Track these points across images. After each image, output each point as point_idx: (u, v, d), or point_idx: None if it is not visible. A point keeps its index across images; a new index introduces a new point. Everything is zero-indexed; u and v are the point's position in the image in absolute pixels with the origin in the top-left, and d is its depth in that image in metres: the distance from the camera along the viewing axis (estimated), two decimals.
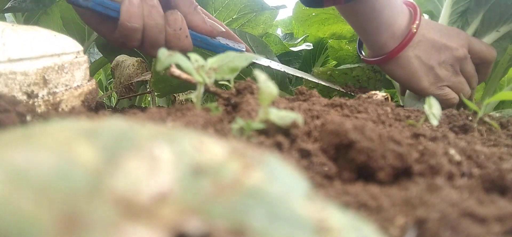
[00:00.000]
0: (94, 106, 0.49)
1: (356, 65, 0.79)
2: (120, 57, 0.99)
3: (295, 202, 0.13)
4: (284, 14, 2.59)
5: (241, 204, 0.12)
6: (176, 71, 0.36)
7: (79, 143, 0.12)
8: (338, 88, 0.78)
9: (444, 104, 0.69)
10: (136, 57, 0.98)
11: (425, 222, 0.19)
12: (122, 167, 0.12)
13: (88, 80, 0.48)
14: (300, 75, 0.74)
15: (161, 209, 0.11)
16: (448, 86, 0.70)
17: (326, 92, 0.84)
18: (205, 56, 0.36)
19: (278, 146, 0.27)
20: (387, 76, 0.83)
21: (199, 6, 0.62)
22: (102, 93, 1.27)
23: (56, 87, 0.41)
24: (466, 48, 0.70)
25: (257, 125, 0.28)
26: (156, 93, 0.86)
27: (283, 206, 0.12)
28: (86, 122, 0.14)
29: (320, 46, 1.20)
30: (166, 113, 0.32)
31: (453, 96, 0.70)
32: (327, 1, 0.67)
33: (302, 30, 1.36)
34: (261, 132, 0.29)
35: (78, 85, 0.45)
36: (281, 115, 0.29)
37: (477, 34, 0.78)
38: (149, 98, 1.22)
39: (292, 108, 0.37)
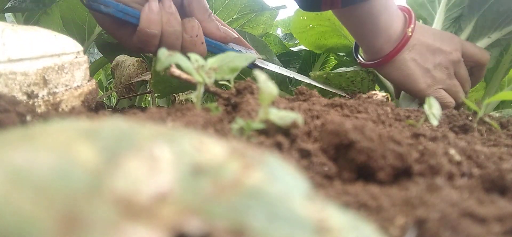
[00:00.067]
0: (94, 106, 0.49)
1: (351, 68, 0.80)
2: (120, 57, 0.99)
3: (295, 202, 0.13)
4: (284, 14, 2.59)
5: (241, 204, 0.12)
6: (176, 71, 0.36)
7: (79, 143, 0.12)
8: (334, 91, 0.78)
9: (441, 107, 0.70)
10: (136, 57, 0.98)
11: (425, 222, 0.19)
12: (122, 167, 0.12)
13: (88, 81, 0.48)
14: (299, 79, 0.75)
15: (161, 209, 0.11)
16: (444, 89, 0.70)
17: (326, 92, 0.84)
18: (204, 57, 0.36)
19: (278, 146, 0.27)
20: (381, 78, 0.83)
21: (213, 14, 0.63)
22: (102, 93, 1.27)
23: (56, 87, 0.41)
24: (459, 52, 0.71)
25: (257, 125, 0.28)
26: (156, 95, 0.86)
27: (283, 206, 0.12)
28: (86, 122, 0.14)
29: None
30: (166, 114, 0.32)
31: (449, 100, 0.70)
32: (325, 5, 0.67)
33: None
34: (261, 132, 0.29)
35: (78, 86, 0.45)
36: (281, 116, 0.29)
37: (470, 40, 0.79)
38: (149, 98, 1.23)
39: (292, 109, 0.37)
